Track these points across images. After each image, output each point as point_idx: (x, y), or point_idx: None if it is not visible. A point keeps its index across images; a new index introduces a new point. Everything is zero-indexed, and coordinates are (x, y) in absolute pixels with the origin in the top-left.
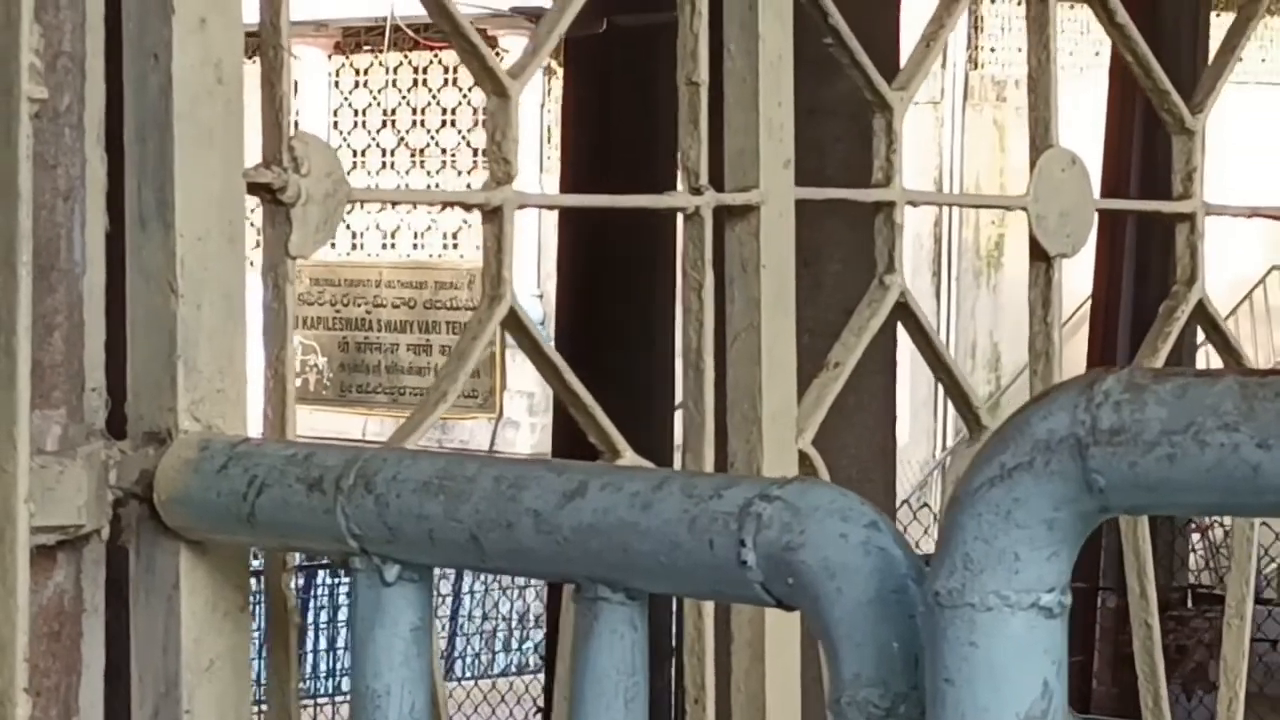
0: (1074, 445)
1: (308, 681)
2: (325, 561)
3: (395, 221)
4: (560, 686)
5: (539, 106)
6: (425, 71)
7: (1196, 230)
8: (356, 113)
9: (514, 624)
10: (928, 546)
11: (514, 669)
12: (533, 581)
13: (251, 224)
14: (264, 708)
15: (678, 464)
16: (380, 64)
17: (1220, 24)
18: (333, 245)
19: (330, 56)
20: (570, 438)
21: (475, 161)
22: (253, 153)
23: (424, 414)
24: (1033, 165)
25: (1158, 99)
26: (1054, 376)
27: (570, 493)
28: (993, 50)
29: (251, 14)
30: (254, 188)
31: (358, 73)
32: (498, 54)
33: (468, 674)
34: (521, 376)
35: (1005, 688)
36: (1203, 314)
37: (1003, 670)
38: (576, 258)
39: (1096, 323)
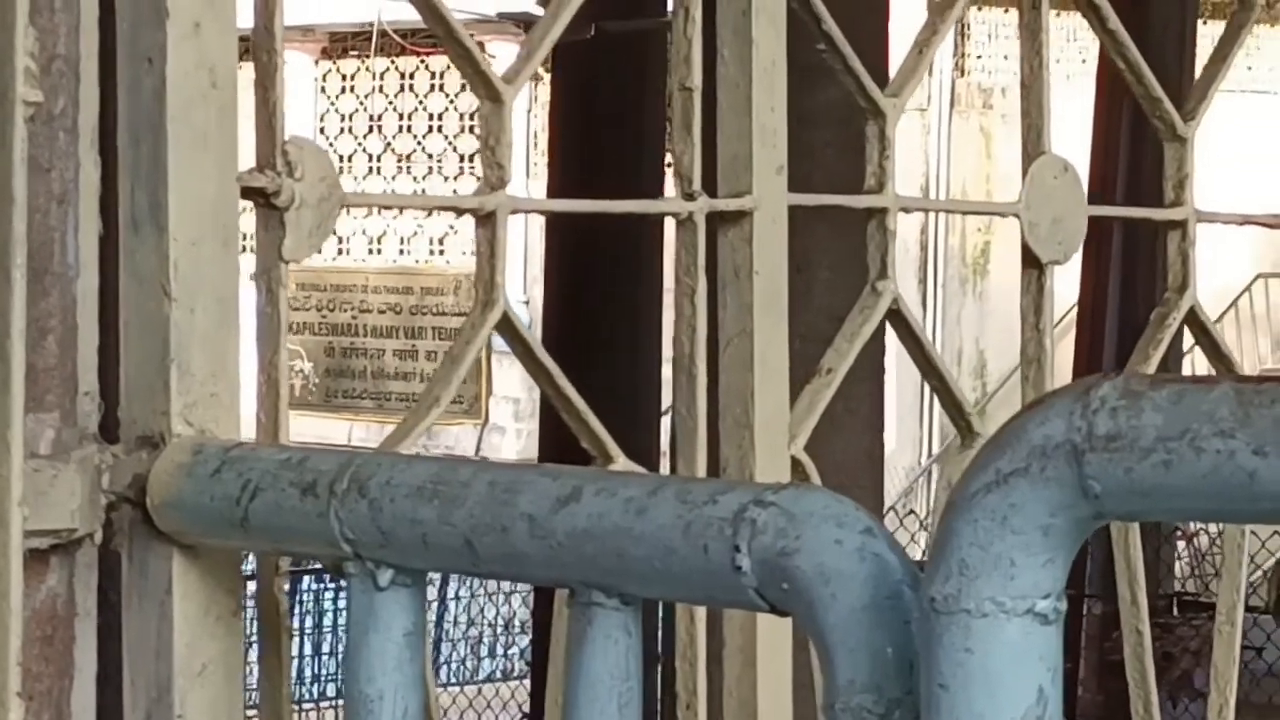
0: (1070, 451)
1: (293, 687)
2: (309, 567)
3: (381, 227)
4: (552, 691)
5: (525, 112)
6: (412, 77)
7: (1188, 237)
8: (343, 118)
9: (499, 630)
10: (914, 553)
11: (499, 675)
12: (518, 588)
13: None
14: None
15: (665, 471)
16: (367, 69)
17: (1207, 32)
18: (319, 250)
19: (317, 62)
20: (557, 444)
21: (462, 167)
22: (246, 156)
23: (417, 418)
24: (1025, 172)
25: (1150, 106)
26: (1046, 383)
27: (564, 498)
28: (979, 58)
29: (244, 19)
30: (247, 192)
31: (344, 78)
32: None
33: (453, 680)
34: (507, 382)
35: (1000, 694)
36: (1194, 321)
37: (998, 676)
38: (564, 264)
39: (1083, 330)
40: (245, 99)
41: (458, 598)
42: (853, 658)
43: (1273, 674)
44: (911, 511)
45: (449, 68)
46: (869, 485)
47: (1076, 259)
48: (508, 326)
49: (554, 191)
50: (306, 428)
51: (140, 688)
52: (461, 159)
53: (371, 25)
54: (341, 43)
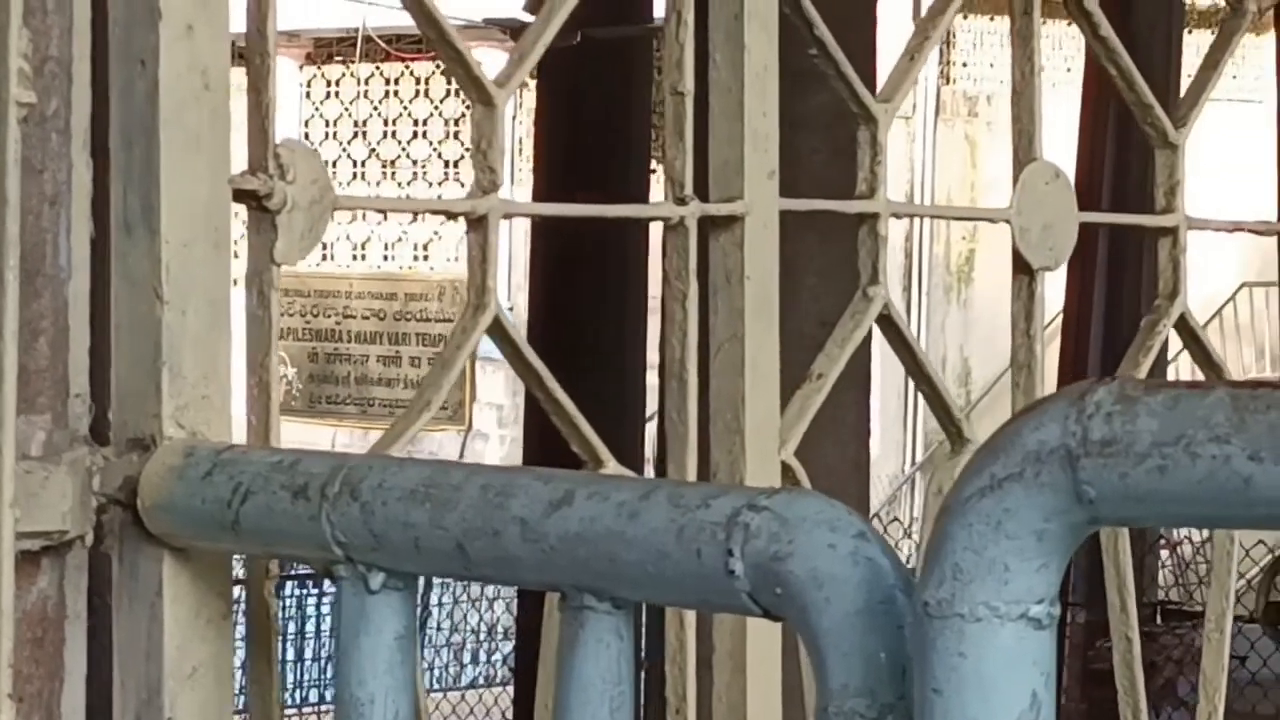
0: (1065, 456)
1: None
2: (293, 572)
3: (366, 233)
4: (542, 695)
5: (510, 119)
6: (397, 83)
7: (1179, 244)
8: (328, 123)
9: (482, 636)
10: None
11: (482, 681)
12: (502, 594)
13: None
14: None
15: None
16: (352, 75)
17: (1191, 41)
18: (310, 253)
19: (302, 67)
20: (541, 450)
21: (446, 173)
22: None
23: (408, 422)
24: (1016, 177)
25: (1141, 112)
26: (1036, 389)
27: (557, 501)
28: (964, 65)
29: (235, 23)
30: (239, 194)
31: (329, 83)
32: None
33: (436, 686)
34: (491, 389)
35: (994, 698)
36: (1185, 328)
37: (991, 681)
38: (549, 270)
39: (1068, 337)
40: (235, 103)
41: (441, 604)
42: (846, 662)
43: (1256, 682)
44: (895, 519)
45: (434, 73)
46: (855, 493)
47: (1061, 267)
48: (499, 330)
49: (539, 198)
50: (290, 433)
51: (130, 690)
52: (446, 165)
53: (356, 31)
54: (326, 48)
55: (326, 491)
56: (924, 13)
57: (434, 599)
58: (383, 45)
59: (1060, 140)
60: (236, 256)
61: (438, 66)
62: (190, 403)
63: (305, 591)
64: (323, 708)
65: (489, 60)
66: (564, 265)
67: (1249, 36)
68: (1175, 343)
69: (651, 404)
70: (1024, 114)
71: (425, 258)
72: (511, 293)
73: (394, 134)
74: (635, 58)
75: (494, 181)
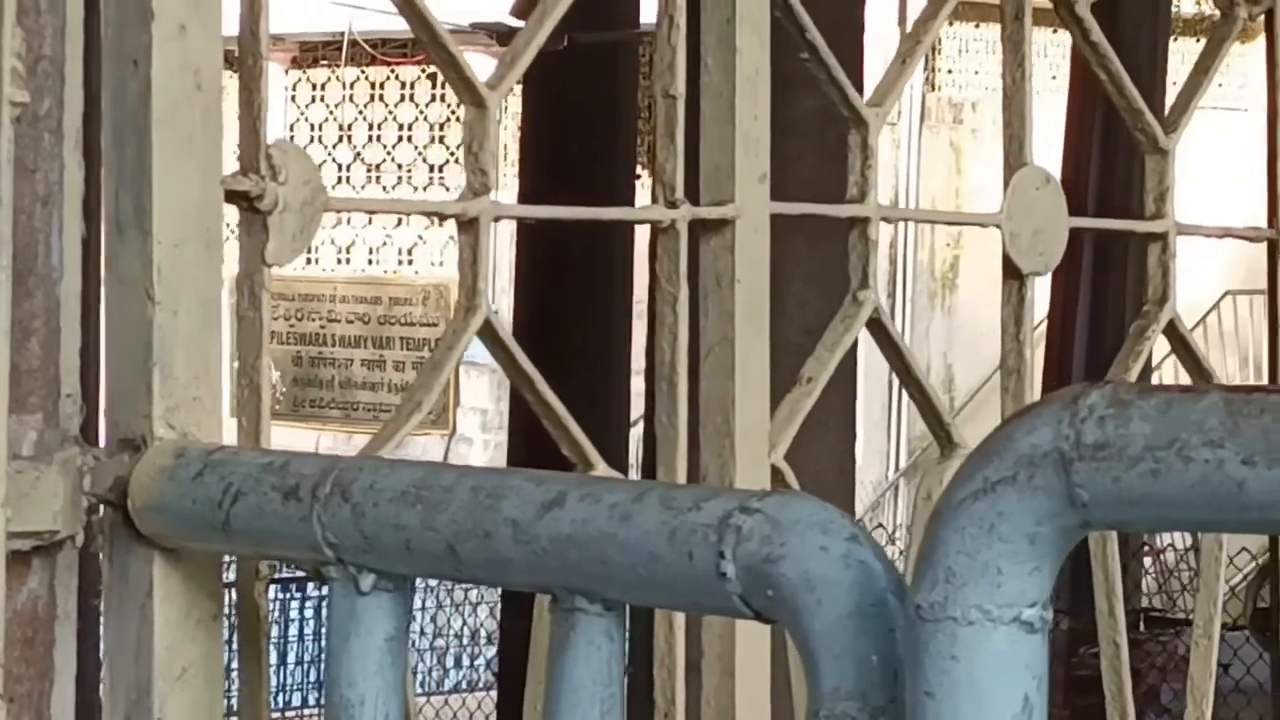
0: (1058, 460)
1: None
2: (277, 575)
3: (350, 237)
4: (531, 697)
5: (495, 123)
6: (382, 87)
7: (1168, 250)
8: (313, 127)
9: (465, 641)
10: None
11: (465, 686)
12: (485, 599)
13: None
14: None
15: None
16: (337, 79)
17: (1177, 49)
18: (302, 254)
19: (287, 71)
20: (526, 455)
21: (431, 178)
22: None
23: (398, 424)
24: (1007, 183)
25: (1131, 118)
26: (1026, 393)
27: (549, 503)
28: (950, 72)
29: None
30: (231, 195)
31: (314, 87)
32: None
33: (419, 690)
34: (475, 393)
35: (986, 702)
36: (1174, 333)
37: (984, 684)
38: (534, 275)
39: (1053, 342)
40: (226, 104)
41: (424, 608)
42: (837, 665)
43: (1240, 690)
44: (880, 525)
45: (419, 78)
46: (840, 498)
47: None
48: (490, 332)
49: (524, 202)
50: (274, 437)
51: (120, 690)
52: (431, 169)
53: (342, 35)
54: (312, 52)
55: (317, 493)
56: (910, 18)
57: (417, 603)
58: (368, 49)
59: (1045, 146)
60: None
61: (423, 71)
62: (181, 403)
63: (289, 595)
64: (306, 712)
65: (475, 65)
66: (549, 269)
67: (1234, 45)
68: (1158, 349)
69: (636, 409)
70: (1015, 119)
71: (410, 262)
72: (495, 296)
73: (379, 138)
74: (622, 63)
75: (485, 184)
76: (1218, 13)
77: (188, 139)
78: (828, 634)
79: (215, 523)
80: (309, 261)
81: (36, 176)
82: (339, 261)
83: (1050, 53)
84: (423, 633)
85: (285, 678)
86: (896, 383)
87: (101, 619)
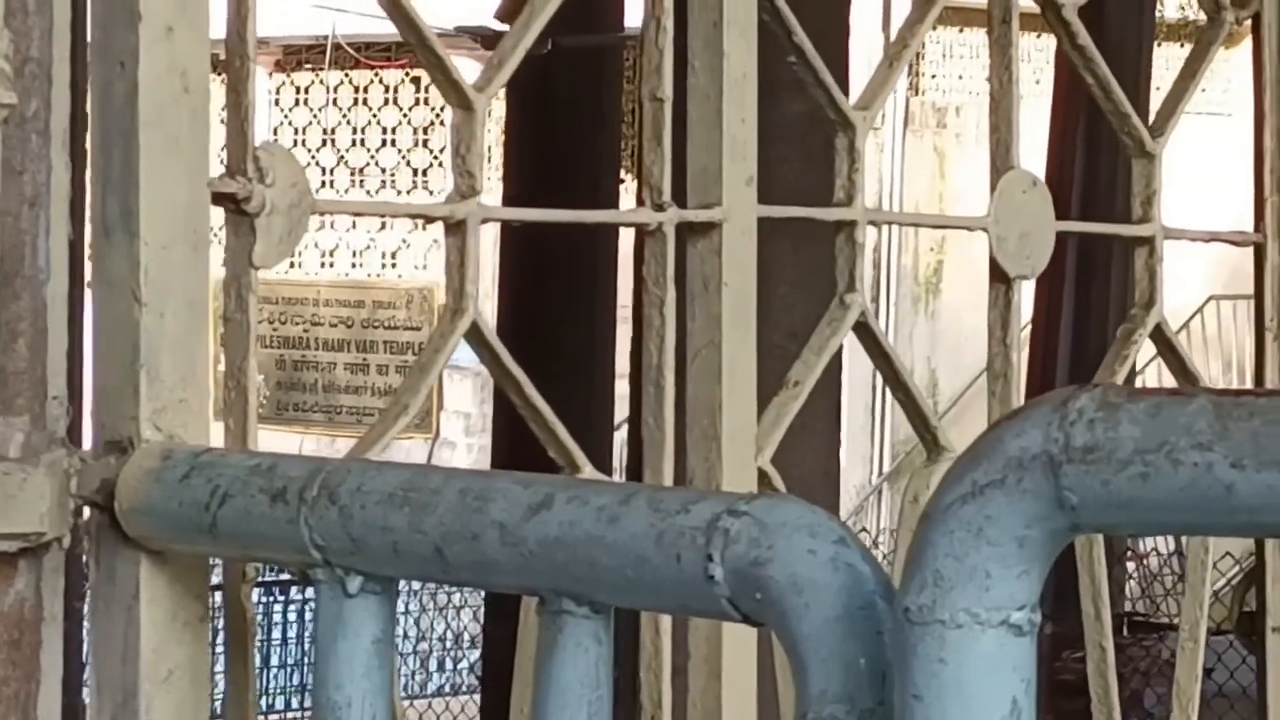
0: (1047, 463)
1: None
2: (261, 579)
3: (334, 240)
4: (517, 700)
5: (482, 126)
6: (366, 91)
7: (1155, 254)
8: (297, 131)
9: (448, 645)
10: None
11: (448, 689)
12: (468, 602)
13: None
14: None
15: None
16: (321, 82)
17: (1161, 54)
18: (289, 256)
19: (271, 74)
20: (509, 458)
21: (415, 181)
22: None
23: (385, 426)
24: (993, 186)
25: (1118, 122)
26: (1012, 397)
27: (536, 505)
28: (934, 77)
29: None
30: (218, 197)
31: (298, 91)
32: None
33: (402, 694)
34: (458, 397)
35: (974, 704)
36: (1160, 337)
37: (972, 687)
38: (518, 278)
39: (1037, 346)
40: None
41: (407, 612)
42: (825, 668)
43: (1223, 694)
44: (864, 529)
45: (403, 81)
46: (825, 502)
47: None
48: (477, 335)
49: (508, 206)
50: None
51: (106, 692)
52: (415, 173)
53: (326, 38)
54: (296, 55)
55: (305, 495)
56: (894, 23)
57: (400, 607)
58: (352, 53)
59: (1029, 151)
60: None
61: (407, 74)
62: (168, 405)
63: (273, 599)
64: (290, 715)
65: (460, 68)
66: (533, 272)
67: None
68: (1142, 354)
69: (619, 412)
70: (1002, 123)
71: (393, 265)
72: (479, 299)
73: (363, 142)
74: (606, 67)
75: (473, 186)
76: (1203, 17)
77: (175, 141)
78: (815, 637)
79: (202, 525)
80: (292, 265)
81: (24, 178)
82: (322, 265)
83: (1034, 57)
84: (406, 636)
85: (269, 681)
86: (880, 387)
87: (85, 621)
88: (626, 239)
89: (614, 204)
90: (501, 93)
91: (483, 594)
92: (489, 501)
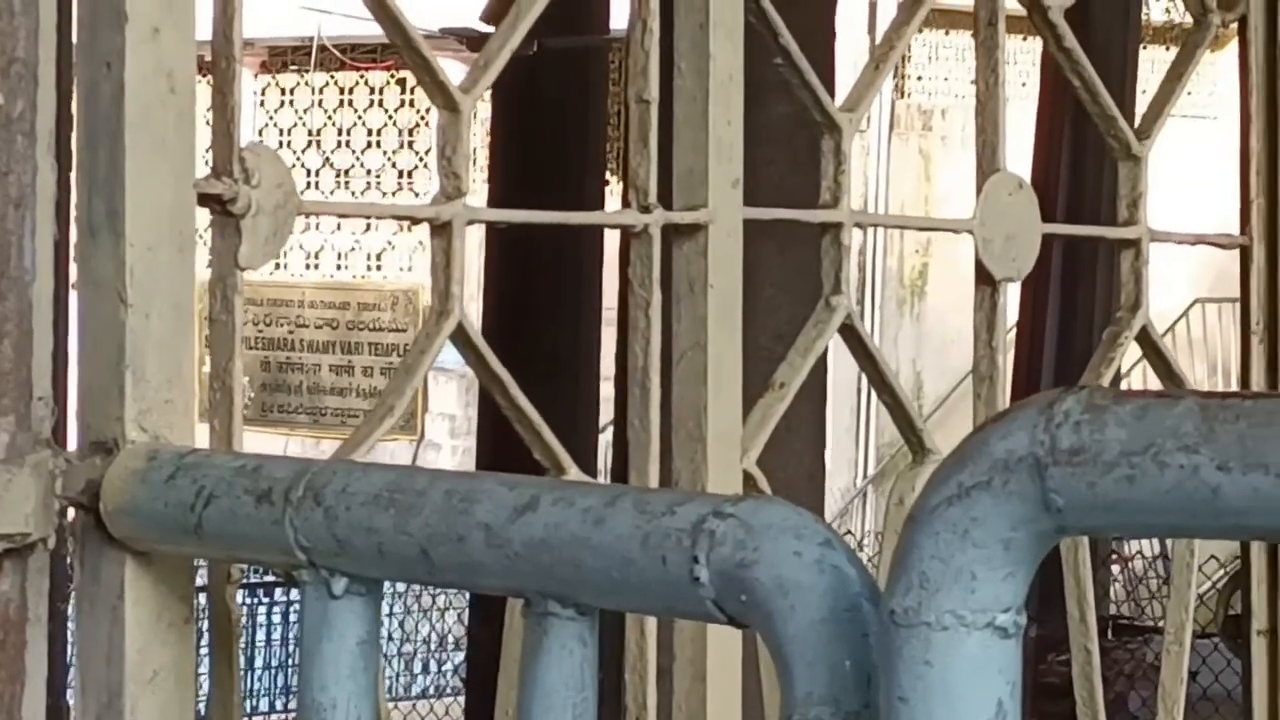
0: (1033, 465)
1: None
2: (244, 580)
3: (319, 242)
4: (503, 702)
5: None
6: (351, 92)
7: (1141, 256)
8: (282, 132)
9: (433, 646)
10: None
11: (433, 691)
12: (452, 605)
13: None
14: None
15: None
16: (306, 84)
17: (1146, 56)
18: (275, 258)
19: (256, 75)
20: (493, 460)
21: (400, 183)
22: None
23: (371, 428)
24: (980, 189)
25: (1104, 124)
26: (998, 400)
27: (522, 507)
28: (919, 79)
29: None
30: (204, 198)
31: (283, 92)
32: None
33: (387, 696)
34: (443, 399)
35: (960, 707)
36: (1146, 340)
37: (957, 689)
38: (503, 280)
39: (1022, 349)
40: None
41: (391, 614)
42: (811, 670)
43: (1207, 698)
44: (849, 532)
45: (388, 83)
46: (810, 504)
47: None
48: (463, 336)
49: (493, 207)
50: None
51: (91, 694)
52: (400, 174)
53: (311, 40)
54: (281, 57)
55: (290, 496)
56: (879, 26)
57: (384, 609)
58: (337, 54)
59: (1015, 154)
60: None
61: (392, 76)
62: (153, 406)
63: (256, 600)
64: (274, 717)
65: (446, 70)
66: (519, 274)
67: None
68: (1127, 357)
69: (605, 414)
70: (988, 125)
71: (378, 267)
72: (464, 301)
73: (348, 143)
74: (592, 68)
75: (459, 187)
76: (1189, 20)
77: (160, 142)
78: (801, 639)
79: (187, 526)
80: (277, 267)
81: (9, 179)
82: (308, 267)
83: (1020, 60)
84: (390, 638)
85: (253, 683)
86: (865, 389)
87: (69, 622)
88: (612, 240)
89: (599, 205)
90: (487, 94)
91: (467, 596)
92: (474, 503)
